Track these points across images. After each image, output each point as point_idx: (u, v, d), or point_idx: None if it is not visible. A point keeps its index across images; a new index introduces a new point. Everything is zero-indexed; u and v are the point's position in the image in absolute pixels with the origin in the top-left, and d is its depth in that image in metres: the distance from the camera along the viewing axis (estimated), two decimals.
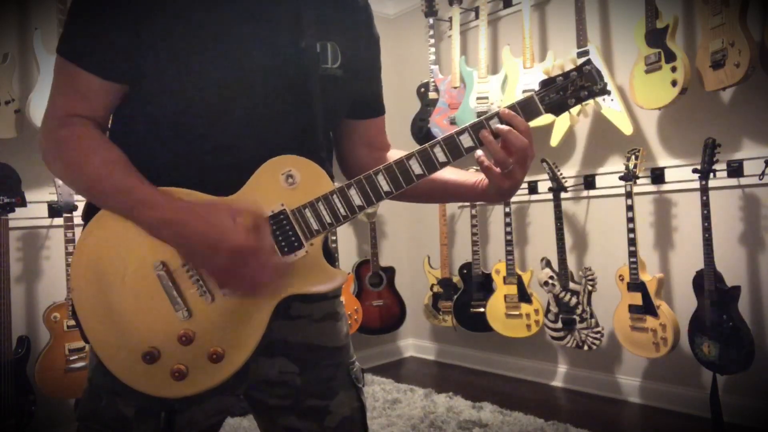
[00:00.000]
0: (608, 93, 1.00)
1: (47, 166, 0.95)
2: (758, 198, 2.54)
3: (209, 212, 0.86)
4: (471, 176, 1.08)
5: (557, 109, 0.97)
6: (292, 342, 1.02)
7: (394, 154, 1.17)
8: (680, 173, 2.74)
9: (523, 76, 3.06)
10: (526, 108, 0.96)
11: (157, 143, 0.95)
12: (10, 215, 2.47)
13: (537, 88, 0.98)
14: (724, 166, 2.55)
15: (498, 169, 0.97)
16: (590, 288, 2.85)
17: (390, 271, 3.75)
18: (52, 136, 0.92)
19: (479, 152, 0.97)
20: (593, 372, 3.14)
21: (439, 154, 0.94)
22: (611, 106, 2.77)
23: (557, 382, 3.31)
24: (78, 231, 2.55)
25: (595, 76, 0.97)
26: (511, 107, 0.95)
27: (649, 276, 2.66)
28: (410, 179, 0.94)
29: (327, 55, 1.00)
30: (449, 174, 1.07)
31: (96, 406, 0.94)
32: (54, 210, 2.73)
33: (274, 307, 0.91)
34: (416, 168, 0.94)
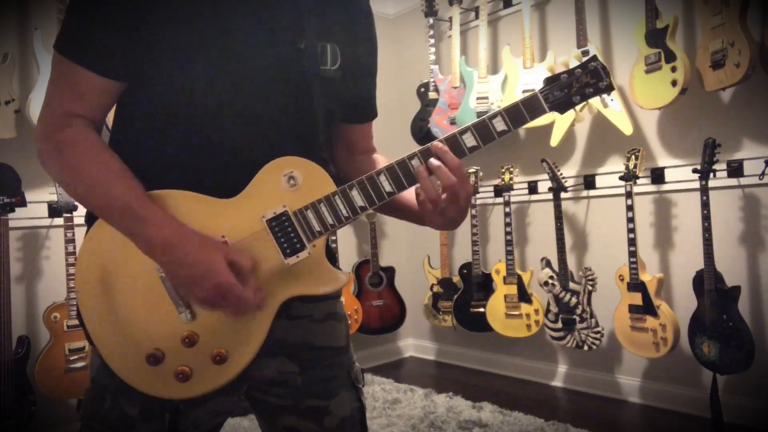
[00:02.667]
0: (613, 90, 0.98)
1: (43, 167, 0.94)
2: (758, 198, 2.54)
3: (204, 245, 0.86)
4: None
5: (562, 107, 0.95)
6: (292, 342, 1.02)
7: (378, 158, 1.16)
8: (680, 173, 2.74)
9: (523, 76, 3.06)
10: (529, 106, 0.94)
11: (157, 144, 0.94)
12: (10, 215, 2.47)
13: (539, 86, 0.96)
14: (724, 166, 2.55)
15: (430, 205, 0.94)
16: (590, 288, 2.85)
17: (390, 271, 3.75)
18: (50, 137, 0.91)
19: (417, 185, 0.94)
20: (593, 372, 3.14)
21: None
22: (611, 106, 2.77)
23: (557, 382, 3.31)
24: (78, 231, 2.55)
25: (600, 72, 0.94)
26: (514, 106, 0.94)
27: (649, 276, 2.66)
28: (413, 180, 0.93)
29: (327, 56, 1.00)
30: (407, 194, 1.02)
31: (99, 407, 0.94)
32: (54, 210, 2.73)
33: (276, 309, 0.91)
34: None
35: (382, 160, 1.14)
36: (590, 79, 0.95)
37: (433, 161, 0.92)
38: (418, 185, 0.93)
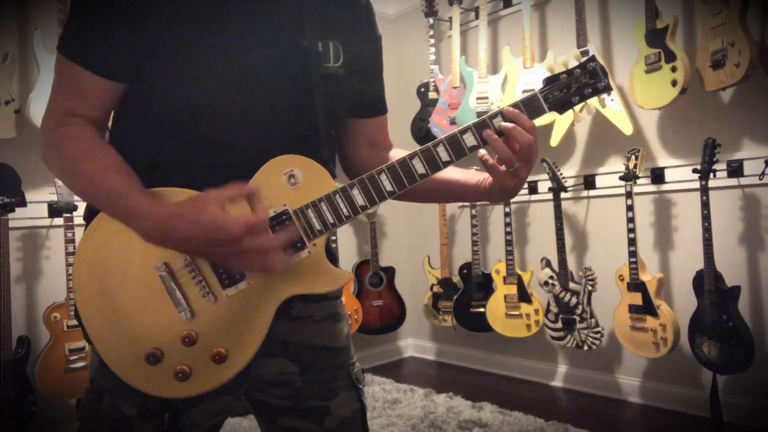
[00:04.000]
0: (611, 90, 0.99)
1: (45, 163, 0.95)
2: (758, 198, 2.54)
3: (196, 210, 0.83)
4: (474, 176, 1.07)
5: (561, 107, 0.96)
6: (292, 342, 1.02)
7: (396, 154, 1.16)
8: (680, 173, 2.74)
9: (523, 76, 3.06)
10: (529, 106, 0.95)
11: (158, 143, 0.94)
12: (10, 215, 2.47)
13: (539, 86, 0.97)
14: (724, 166, 2.55)
15: (503, 167, 0.96)
16: (590, 288, 2.85)
17: (390, 271, 3.75)
18: (50, 134, 0.92)
19: (482, 151, 0.96)
20: (593, 372, 3.14)
21: (442, 154, 0.94)
22: (611, 106, 2.77)
23: (557, 382, 3.31)
24: (78, 231, 2.55)
25: (599, 73, 0.96)
26: (515, 106, 0.95)
27: (649, 276, 2.66)
28: (413, 179, 0.93)
29: (329, 54, 1.00)
30: (452, 173, 1.06)
31: (98, 407, 0.94)
32: (54, 210, 2.72)
33: (276, 308, 0.91)
34: (419, 167, 0.94)
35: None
36: (589, 79, 0.96)
37: (507, 124, 0.93)
38: (482, 152, 0.96)
